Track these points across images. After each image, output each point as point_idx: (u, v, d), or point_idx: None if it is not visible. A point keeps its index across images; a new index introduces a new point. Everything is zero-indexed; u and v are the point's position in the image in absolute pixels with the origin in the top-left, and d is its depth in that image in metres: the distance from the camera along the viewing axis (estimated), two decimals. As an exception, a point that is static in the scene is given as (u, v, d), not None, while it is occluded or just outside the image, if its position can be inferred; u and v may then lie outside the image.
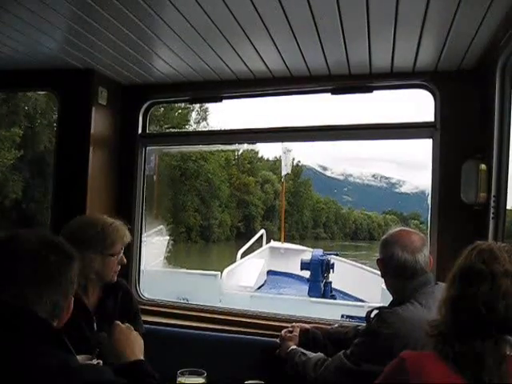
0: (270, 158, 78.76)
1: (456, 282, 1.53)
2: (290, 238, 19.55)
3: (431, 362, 1.43)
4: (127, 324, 2.23)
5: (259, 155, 73.88)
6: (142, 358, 2.07)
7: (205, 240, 49.70)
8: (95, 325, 2.71)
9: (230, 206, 59.81)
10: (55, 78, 3.71)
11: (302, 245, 19.68)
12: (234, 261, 13.00)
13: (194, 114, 52.94)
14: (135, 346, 2.10)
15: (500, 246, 1.54)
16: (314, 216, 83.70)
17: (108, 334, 2.17)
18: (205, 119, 54.39)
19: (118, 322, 2.21)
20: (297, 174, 74.94)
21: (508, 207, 2.75)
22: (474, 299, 1.44)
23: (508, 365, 1.38)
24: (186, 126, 49.03)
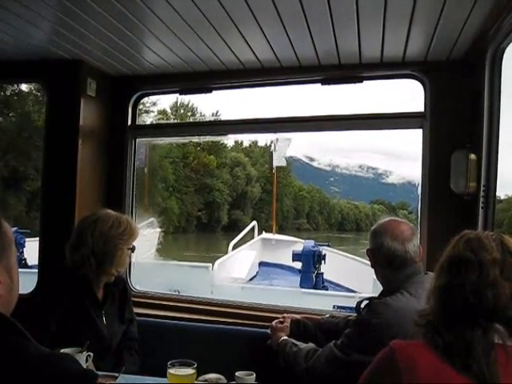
0: (245, 142, 74.14)
1: (444, 271, 1.53)
2: (267, 230, 18.81)
3: (421, 351, 1.43)
4: None
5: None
6: None
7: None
8: (104, 319, 2.89)
9: (183, 190, 51.57)
10: (44, 70, 3.67)
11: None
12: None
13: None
14: None
15: (488, 234, 1.54)
16: (295, 205, 78.38)
17: None
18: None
19: None
20: (274, 157, 68.37)
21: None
22: (463, 288, 1.44)
23: (496, 353, 1.39)
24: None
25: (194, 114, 59.79)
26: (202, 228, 51.88)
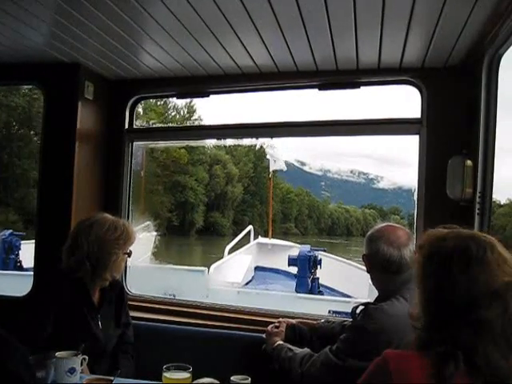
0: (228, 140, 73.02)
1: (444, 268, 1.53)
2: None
3: (414, 360, 1.43)
4: None
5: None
6: None
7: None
8: (100, 322, 2.88)
9: (148, 188, 40.32)
10: (41, 72, 3.67)
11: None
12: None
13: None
14: None
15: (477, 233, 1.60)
16: (282, 208, 75.04)
17: None
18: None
19: None
20: (259, 157, 64.34)
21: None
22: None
23: None
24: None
25: (165, 104, 58.10)
26: (173, 231, 46.65)
